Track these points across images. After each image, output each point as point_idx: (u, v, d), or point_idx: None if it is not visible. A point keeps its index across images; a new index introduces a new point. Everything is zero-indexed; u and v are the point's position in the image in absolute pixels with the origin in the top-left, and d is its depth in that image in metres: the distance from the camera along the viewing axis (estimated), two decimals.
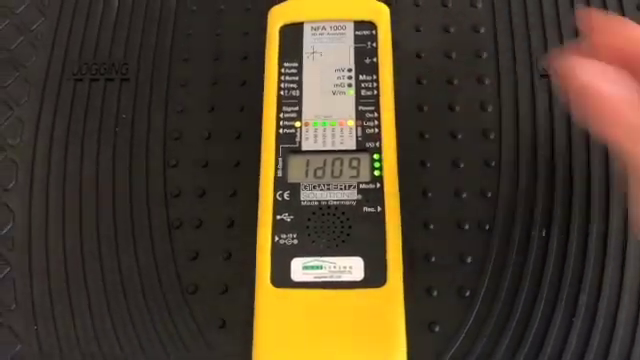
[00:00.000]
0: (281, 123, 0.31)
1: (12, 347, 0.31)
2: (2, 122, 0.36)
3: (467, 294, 0.30)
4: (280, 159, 0.31)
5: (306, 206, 0.30)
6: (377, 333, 0.27)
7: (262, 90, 0.33)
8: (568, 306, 0.30)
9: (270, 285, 0.28)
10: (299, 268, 0.28)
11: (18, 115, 0.36)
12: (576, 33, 0.36)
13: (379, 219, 0.29)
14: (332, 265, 0.28)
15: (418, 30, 0.37)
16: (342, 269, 0.28)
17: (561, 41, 0.36)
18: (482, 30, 0.36)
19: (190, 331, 0.30)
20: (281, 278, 0.28)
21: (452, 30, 0.37)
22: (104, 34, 0.37)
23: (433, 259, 0.31)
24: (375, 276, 0.28)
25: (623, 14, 0.36)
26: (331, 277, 0.28)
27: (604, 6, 0.37)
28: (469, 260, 0.31)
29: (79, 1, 0.39)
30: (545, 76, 0.35)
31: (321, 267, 0.28)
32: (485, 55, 0.36)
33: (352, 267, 0.28)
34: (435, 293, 0.31)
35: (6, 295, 0.32)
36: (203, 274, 0.31)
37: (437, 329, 0.30)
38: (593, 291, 0.30)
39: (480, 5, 0.37)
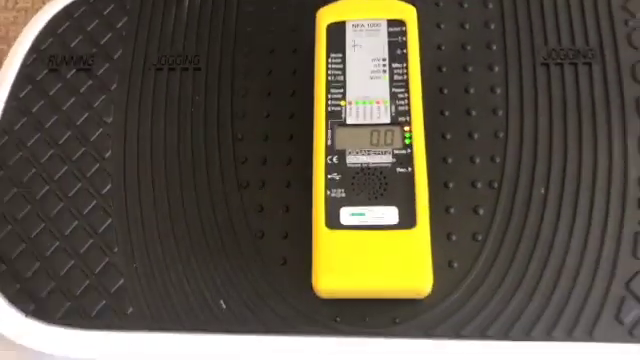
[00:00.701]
0: (329, 102, 0.39)
1: (116, 281, 0.39)
2: (97, 104, 0.44)
3: (480, 238, 0.38)
4: (329, 131, 0.38)
5: (351, 167, 0.37)
6: (409, 264, 0.35)
7: (311, 77, 0.41)
8: (562, 248, 0.37)
9: (325, 228, 0.36)
10: (347, 215, 0.36)
11: (110, 98, 0.44)
12: (572, 29, 0.43)
13: (410, 177, 0.37)
14: (373, 212, 0.36)
15: (439, 26, 0.44)
16: (381, 215, 0.36)
17: (559, 35, 0.43)
18: (492, 26, 0.44)
19: (258, 268, 0.38)
20: (333, 222, 0.36)
21: (467, 26, 0.44)
22: (178, 31, 0.45)
23: (452, 211, 0.39)
24: (407, 220, 0.35)
25: (611, 15, 0.43)
26: (373, 221, 0.36)
27: (595, 7, 0.44)
28: (481, 212, 0.39)
29: (155, 3, 0.46)
30: (545, 64, 0.42)
31: (364, 214, 0.36)
32: (495, 47, 0.43)
33: (388, 214, 0.36)
34: (454, 238, 0.38)
35: (110, 240, 0.40)
36: (268, 223, 0.39)
37: (455, 265, 0.37)
38: (582, 237, 0.38)
39: (491, 5, 0.45)
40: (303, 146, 0.40)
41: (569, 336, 0.35)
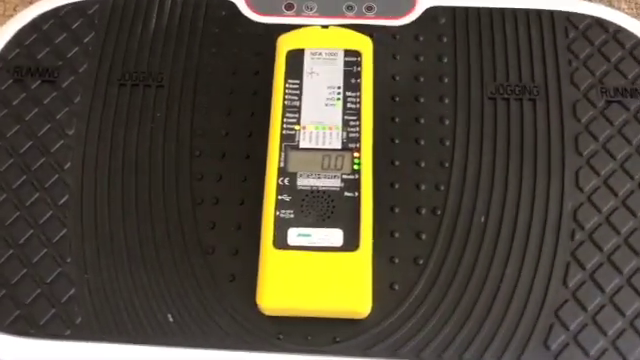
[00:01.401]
0: (284, 126, 0.41)
1: (67, 291, 0.39)
2: (60, 116, 0.45)
3: (421, 262, 0.40)
4: (283, 154, 0.40)
5: (301, 190, 0.39)
6: (350, 286, 0.36)
7: (270, 99, 0.42)
8: (497, 275, 0.39)
9: (273, 247, 0.37)
10: (295, 235, 0.37)
11: (73, 110, 0.45)
12: (519, 66, 0.46)
13: (356, 202, 0.38)
14: (319, 234, 0.37)
15: (395, 57, 0.46)
16: (326, 237, 0.37)
17: (507, 71, 0.45)
18: (445, 60, 0.46)
19: (207, 283, 0.39)
20: (281, 242, 0.37)
21: (421, 59, 0.46)
22: (143, 49, 0.47)
23: (396, 235, 0.40)
24: (351, 243, 0.37)
25: (557, 55, 0.46)
26: (318, 242, 0.37)
27: (542, 47, 0.46)
28: (424, 237, 0.40)
29: (123, 20, 0.48)
30: (492, 99, 0.44)
31: (311, 235, 0.37)
32: (446, 80, 0.45)
33: (334, 236, 0.37)
34: (396, 261, 0.40)
35: (63, 250, 0.40)
36: (219, 240, 0.40)
37: (396, 288, 0.39)
38: (517, 265, 0.40)
39: (445, 40, 0.47)
40: (259, 165, 0.41)
41: None
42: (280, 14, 0.48)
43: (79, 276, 0.40)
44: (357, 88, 0.42)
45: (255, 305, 0.38)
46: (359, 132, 0.40)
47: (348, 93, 0.42)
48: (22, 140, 0.44)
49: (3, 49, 0.47)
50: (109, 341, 0.38)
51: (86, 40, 0.47)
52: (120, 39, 0.47)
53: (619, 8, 0.60)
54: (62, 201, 0.42)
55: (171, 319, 0.38)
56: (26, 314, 0.39)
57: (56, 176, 0.43)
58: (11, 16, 0.57)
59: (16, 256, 0.40)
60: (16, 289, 0.39)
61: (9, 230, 0.41)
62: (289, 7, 0.48)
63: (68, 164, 0.43)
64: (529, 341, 0.37)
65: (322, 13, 0.48)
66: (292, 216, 0.38)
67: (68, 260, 0.40)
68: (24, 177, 0.43)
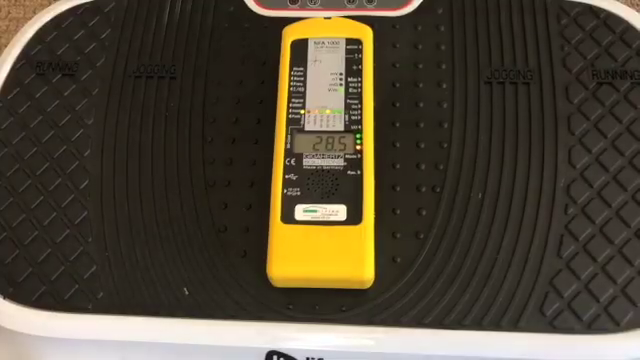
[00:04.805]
0: (290, 110, 0.43)
1: (89, 268, 0.42)
2: (80, 107, 0.47)
3: (421, 237, 0.42)
4: (289, 136, 0.42)
5: (307, 169, 0.41)
6: (353, 257, 0.39)
7: (276, 88, 0.45)
8: (495, 247, 0.41)
9: (281, 222, 0.39)
10: (301, 211, 0.40)
11: (92, 102, 0.48)
12: (514, 51, 0.48)
13: (358, 179, 0.41)
14: (324, 209, 0.40)
15: (395, 46, 0.49)
16: (331, 212, 0.40)
17: (502, 56, 0.48)
18: (443, 47, 0.48)
19: (220, 259, 0.42)
20: (288, 217, 0.40)
21: (420, 47, 0.48)
22: (157, 43, 0.49)
23: (398, 212, 0.43)
24: (354, 217, 0.39)
25: (549, 40, 0.48)
26: (323, 217, 0.39)
27: (535, 32, 0.48)
28: (424, 213, 0.42)
29: (137, 17, 0.51)
30: (488, 83, 0.47)
31: (317, 211, 0.40)
32: (444, 66, 0.47)
33: (338, 211, 0.40)
34: (398, 236, 0.42)
35: (85, 231, 0.43)
36: (231, 219, 0.43)
37: (398, 261, 0.41)
38: (513, 237, 0.42)
39: (442, 28, 0.49)
40: (267, 149, 0.44)
41: (497, 326, 0.39)
42: (285, 8, 0.51)
43: (100, 254, 0.42)
44: (358, 74, 0.44)
45: (266, 278, 0.40)
46: (361, 115, 0.43)
47: (350, 79, 0.44)
48: (45, 130, 0.47)
49: (26, 46, 0.50)
50: (129, 314, 0.40)
51: (103, 36, 0.50)
52: (135, 34, 0.50)
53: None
54: (83, 185, 0.45)
55: (187, 292, 0.41)
56: (51, 290, 0.41)
57: (77, 162, 0.45)
58: (31, 19, 0.60)
59: (41, 237, 0.43)
60: (42, 267, 0.42)
61: (34, 213, 0.44)
62: (293, 1, 0.51)
63: (88, 151, 0.46)
64: (525, 308, 0.39)
65: (325, 6, 0.50)
66: (299, 193, 0.40)
67: (89, 240, 0.43)
68: (47, 164, 0.45)
